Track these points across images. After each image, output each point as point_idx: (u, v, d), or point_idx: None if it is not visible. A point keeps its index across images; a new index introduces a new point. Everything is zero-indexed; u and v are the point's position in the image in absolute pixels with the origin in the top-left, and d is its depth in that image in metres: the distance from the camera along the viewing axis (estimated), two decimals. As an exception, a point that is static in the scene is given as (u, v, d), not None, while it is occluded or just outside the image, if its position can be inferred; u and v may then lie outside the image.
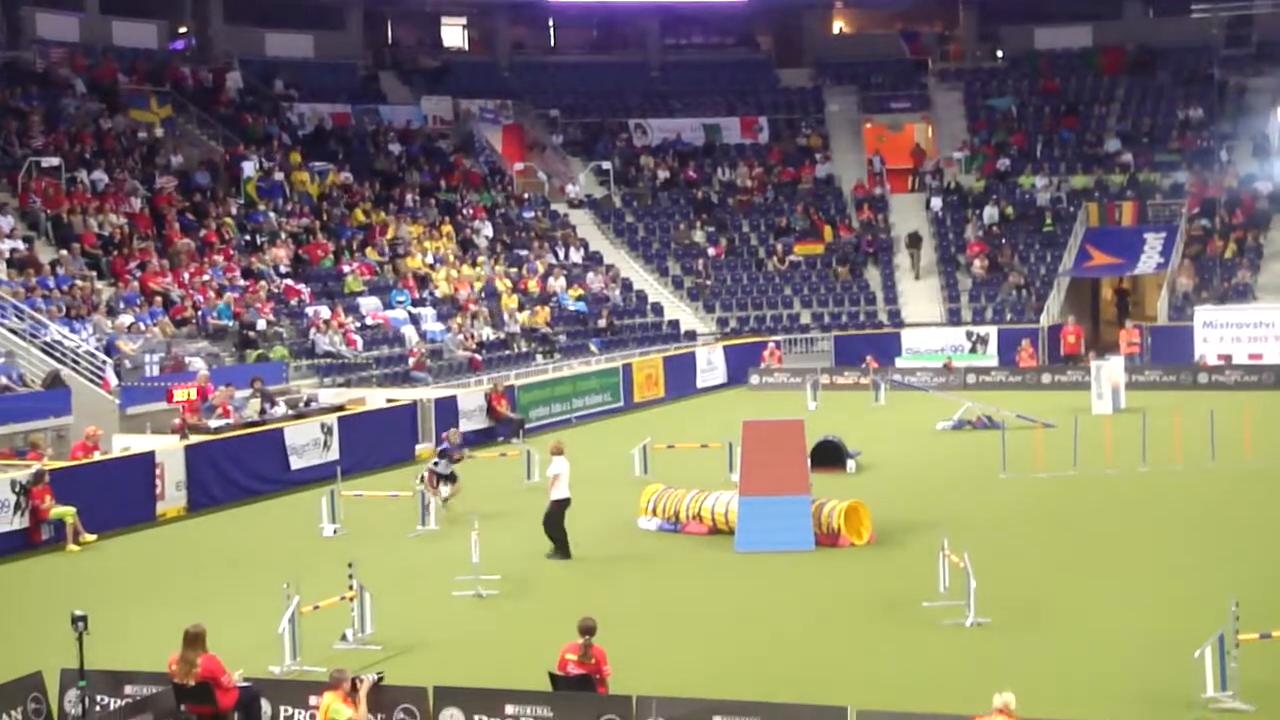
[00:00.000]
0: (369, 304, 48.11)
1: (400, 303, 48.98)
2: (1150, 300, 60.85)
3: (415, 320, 48.38)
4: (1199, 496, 30.65)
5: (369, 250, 51.83)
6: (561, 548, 26.33)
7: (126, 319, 40.50)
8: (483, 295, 52.00)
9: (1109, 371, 44.80)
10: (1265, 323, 53.41)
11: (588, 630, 17.22)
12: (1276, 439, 34.21)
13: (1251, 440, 34.27)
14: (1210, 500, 30.26)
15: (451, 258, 54.27)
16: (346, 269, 49.75)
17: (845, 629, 21.50)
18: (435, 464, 31.07)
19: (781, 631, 21.46)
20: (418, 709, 16.68)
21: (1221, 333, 53.48)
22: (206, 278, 44.78)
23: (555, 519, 26.38)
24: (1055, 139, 66.46)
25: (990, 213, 62.81)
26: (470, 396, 42.00)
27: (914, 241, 62.66)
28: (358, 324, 46.54)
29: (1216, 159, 63.20)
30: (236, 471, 33.57)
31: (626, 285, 59.06)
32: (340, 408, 38.35)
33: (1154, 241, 59.45)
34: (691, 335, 57.60)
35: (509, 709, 16.47)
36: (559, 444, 27.47)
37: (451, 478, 30.83)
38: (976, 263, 61.02)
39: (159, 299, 42.44)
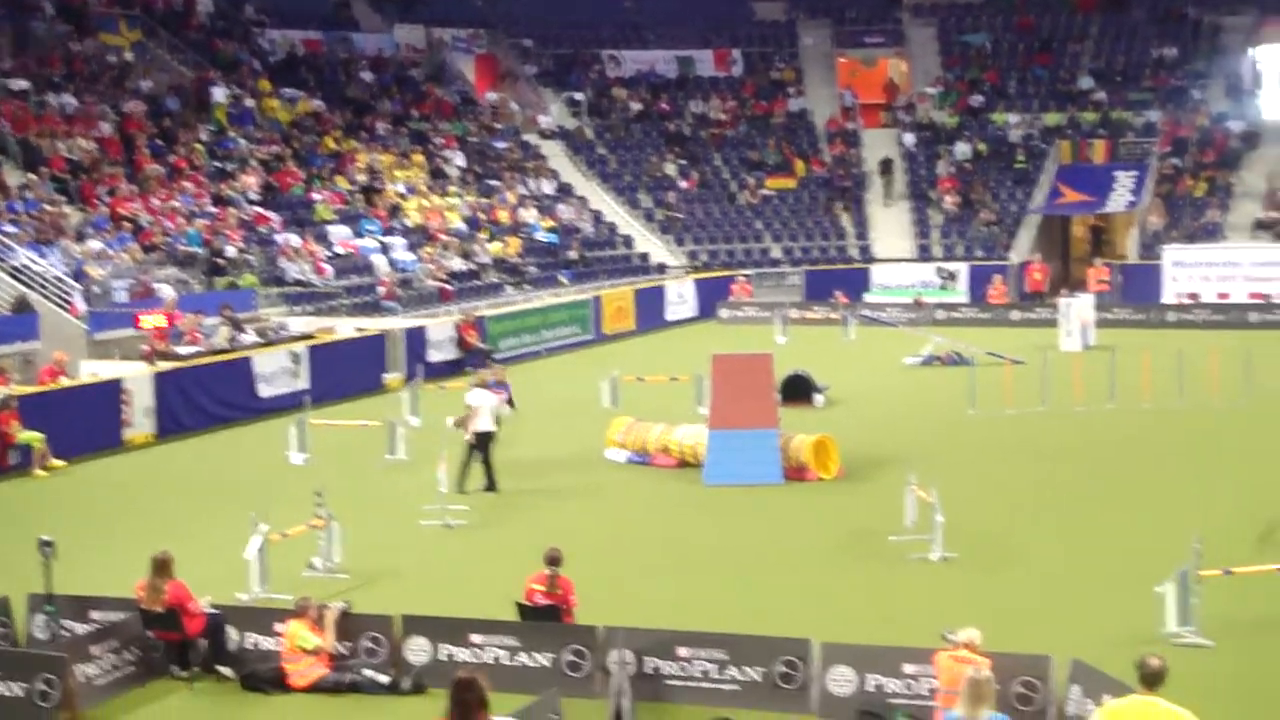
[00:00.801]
0: (339, 232, 47.93)
1: (370, 232, 48.81)
2: (1120, 238, 60.97)
3: (385, 249, 48.23)
4: (1165, 434, 30.80)
5: (339, 179, 51.58)
6: (485, 480, 26.08)
7: (95, 244, 40.28)
8: (462, 227, 51.78)
9: (1078, 309, 44.93)
10: (1233, 262, 53.62)
11: (554, 561, 17.26)
12: (1243, 378, 34.35)
13: (1218, 378, 34.41)
14: (1176, 438, 30.42)
15: (423, 187, 54.05)
16: (317, 197, 49.50)
17: (812, 562, 21.57)
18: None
19: (748, 564, 21.53)
20: (384, 638, 16.71)
21: (1190, 271, 53.67)
22: (176, 204, 44.52)
23: (478, 452, 26.19)
24: (1029, 76, 66.40)
25: (962, 149, 62.79)
26: (440, 327, 41.91)
27: (885, 168, 62.66)
28: (328, 253, 46.37)
29: (1189, 98, 63.20)
30: (205, 399, 33.50)
31: (598, 217, 58.95)
32: (309, 336, 38.23)
33: (1125, 180, 59.50)
34: (662, 268, 57.58)
35: (475, 638, 16.51)
36: (481, 378, 27.42)
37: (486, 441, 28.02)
38: (948, 199, 61.03)
39: (128, 225, 42.22)
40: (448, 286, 47.33)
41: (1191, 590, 17.10)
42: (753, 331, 48.99)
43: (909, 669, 15.23)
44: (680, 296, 54.90)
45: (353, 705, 15.99)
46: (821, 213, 61.68)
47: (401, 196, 52.31)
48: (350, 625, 16.83)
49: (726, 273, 57.58)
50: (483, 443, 26.19)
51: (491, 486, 26.17)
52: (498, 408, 27.04)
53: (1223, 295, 52.64)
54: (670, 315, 53.74)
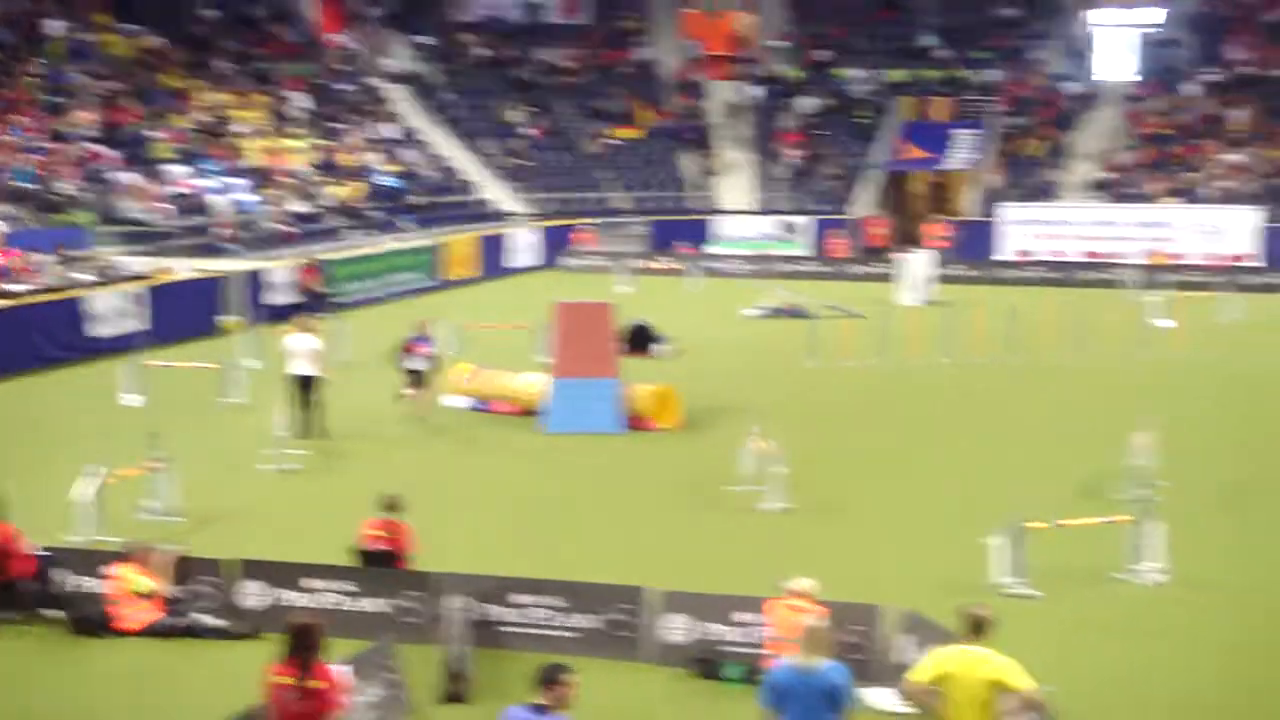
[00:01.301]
0: (178, 172, 47.10)
1: (211, 172, 48.02)
2: (959, 195, 61.81)
3: (226, 190, 47.49)
4: (998, 389, 31.34)
5: (179, 118, 50.66)
6: (304, 427, 25.77)
7: (-77, 178, 39.29)
8: (305, 169, 51.13)
9: (916, 264, 45.52)
10: (1068, 221, 54.63)
11: (392, 507, 17.18)
12: (1074, 335, 35.04)
13: (1051, 334, 35.05)
14: (1009, 393, 30.97)
15: (265, 128, 53.27)
16: (156, 136, 48.57)
17: (650, 511, 21.68)
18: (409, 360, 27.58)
19: (586, 512, 21.60)
20: (219, 581, 16.55)
21: (1026, 229, 54.60)
22: (8, 138, 43.46)
23: (293, 394, 25.97)
24: (874, 32, 66.87)
25: (807, 103, 63.15)
26: (280, 270, 41.43)
27: (732, 112, 62.90)
28: (167, 192, 45.55)
29: (1029, 58, 64.08)
30: (37, 337, 32.85)
31: (442, 163, 58.54)
32: (146, 277, 37.60)
33: (965, 138, 60.32)
34: (507, 215, 57.33)
35: (311, 583, 16.40)
36: (303, 322, 27.24)
37: (419, 377, 27.47)
38: (791, 152, 61.39)
39: (-43, 159, 41.19)
40: (289, 229, 46.77)
41: (1019, 542, 17.45)
42: (596, 280, 49.03)
43: (744, 617, 15.38)
44: (524, 244, 54.77)
45: (186, 649, 15.83)
46: (667, 163, 61.75)
47: (243, 137, 51.52)
48: (185, 569, 16.64)
49: (571, 221, 57.51)
50: (304, 387, 25.93)
51: (314, 433, 25.83)
52: (321, 352, 26.45)
53: (1057, 253, 53.62)
54: (514, 263, 53.62)
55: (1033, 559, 17.55)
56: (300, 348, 26.08)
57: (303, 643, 11.06)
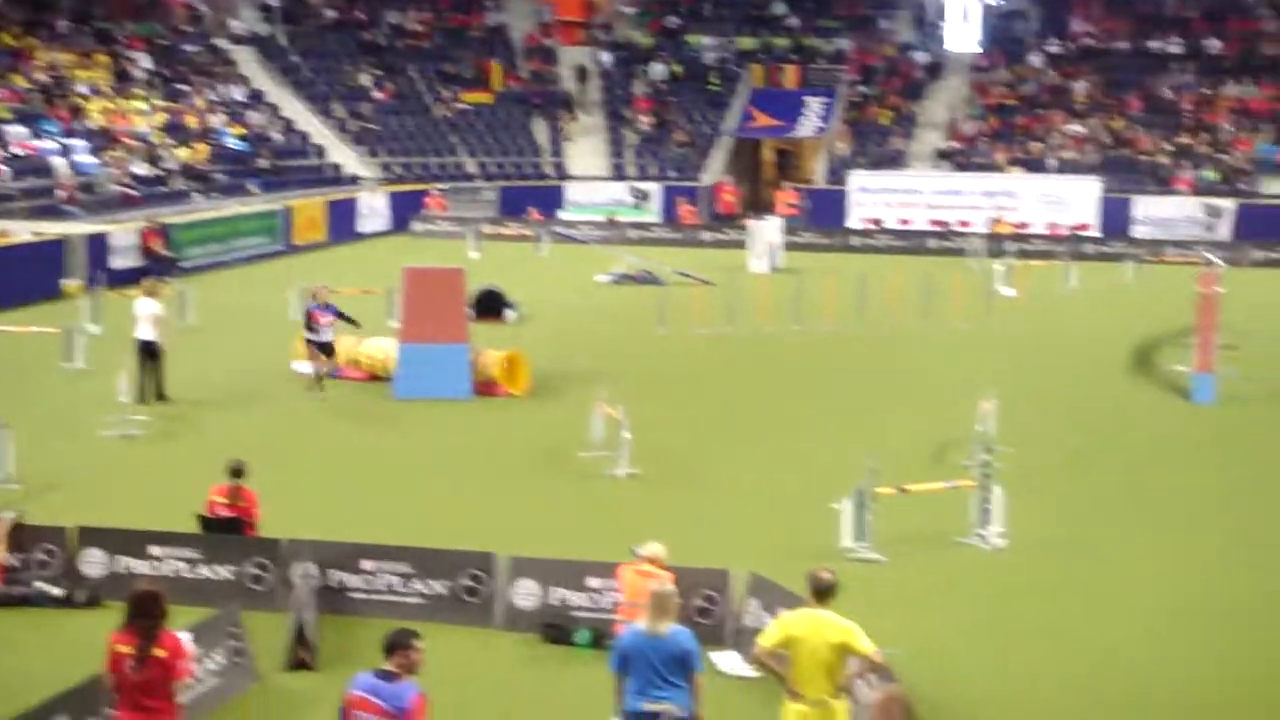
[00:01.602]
0: (16, 133, 46.00)
1: (50, 133, 46.98)
2: (809, 163, 62.24)
3: (66, 152, 46.51)
4: (847, 356, 31.64)
5: (17, 77, 49.50)
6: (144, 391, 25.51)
7: None
8: (148, 131, 50.21)
9: (766, 232, 45.77)
10: (916, 189, 55.23)
11: (237, 472, 16.95)
12: (921, 303, 35.46)
13: (898, 303, 35.45)
14: (857, 360, 31.27)
15: (107, 89, 52.22)
16: (-7, 95, 47.49)
17: (500, 477, 21.64)
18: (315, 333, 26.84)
19: (435, 478, 21.51)
20: (58, 549, 16.24)
21: (875, 198, 55.11)
22: None
23: (147, 361, 25.70)
24: (724, 0, 67.05)
25: (658, 69, 63.21)
26: (123, 233, 40.72)
27: (581, 76, 62.84)
28: (4, 154, 44.51)
29: (877, 28, 64.64)
30: None
31: (289, 126, 57.81)
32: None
33: (815, 106, 60.71)
34: (355, 180, 56.80)
35: (154, 550, 16.16)
36: (149, 286, 26.84)
37: (328, 348, 26.79)
38: (643, 119, 61.45)
39: None
40: (132, 192, 45.93)
41: (867, 507, 17.65)
42: (446, 246, 48.77)
43: (593, 583, 15.43)
44: (373, 209, 54.35)
45: (24, 619, 15.53)
46: (517, 128, 61.54)
47: (84, 98, 50.47)
48: (23, 536, 16.31)
49: (421, 186, 57.13)
50: (146, 352, 25.64)
51: (158, 395, 25.58)
52: (163, 318, 26.07)
53: (905, 221, 54.22)
54: (363, 227, 53.19)
55: (880, 524, 17.76)
56: (144, 312, 25.76)
57: (144, 611, 10.87)
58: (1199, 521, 19.85)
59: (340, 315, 27.00)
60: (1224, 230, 52.22)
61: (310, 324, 26.77)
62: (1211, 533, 19.36)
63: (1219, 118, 56.98)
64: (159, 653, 10.73)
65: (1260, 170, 54.75)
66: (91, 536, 16.39)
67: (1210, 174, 54.60)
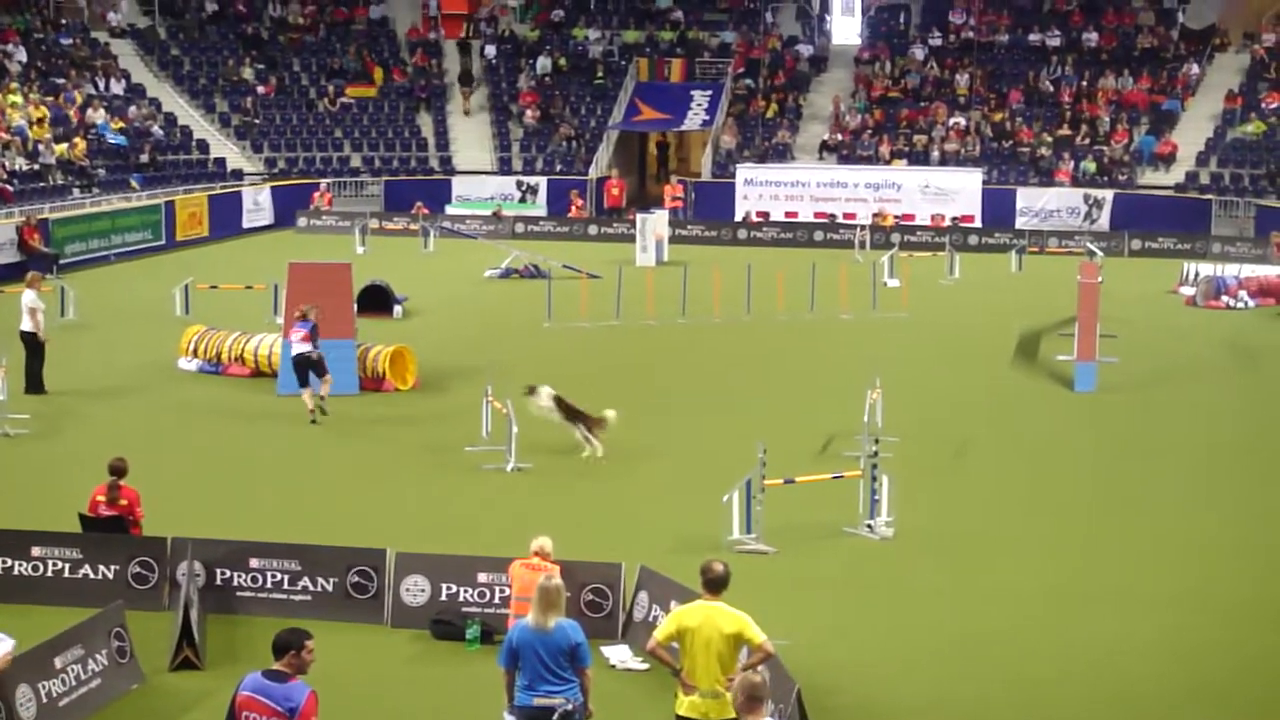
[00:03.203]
0: (-111, 128, 45.22)
1: (-76, 128, 46.20)
2: (695, 156, 62.34)
3: (-59, 147, 45.74)
4: (734, 347, 31.75)
5: (-110, 70, 48.58)
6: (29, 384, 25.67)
7: None
8: (23, 125, 49.38)
9: (653, 224, 45.84)
10: (801, 182, 55.50)
11: (118, 471, 16.73)
12: (807, 295, 35.66)
13: (784, 295, 35.62)
14: (744, 351, 31.39)
15: (-18, 82, 51.36)
16: None
17: (388, 473, 21.53)
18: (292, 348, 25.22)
19: (322, 475, 21.36)
20: (-64, 552, 15.97)
21: (761, 190, 55.32)
22: None
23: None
24: (609, -8, 67.05)
25: (543, 63, 63.07)
26: (0, 229, 40.08)
27: (465, 79, 62.59)
28: (-124, 148, 43.70)
29: (762, 21, 64.91)
30: None
31: (170, 120, 57.06)
32: None
33: (700, 99, 60.80)
34: (238, 175, 56.20)
35: (36, 551, 15.91)
36: (31, 279, 27.01)
37: (321, 365, 24.79)
38: (528, 112, 61.29)
39: None
40: (8, 187, 45.16)
41: (755, 499, 17.71)
42: (332, 241, 48.43)
43: (483, 578, 15.40)
44: (257, 204, 53.84)
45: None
46: (402, 123, 61.19)
47: (-41, 92, 49.59)
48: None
49: (305, 180, 56.65)
50: (25, 344, 25.83)
51: (32, 389, 25.53)
52: (36, 310, 26.01)
53: (790, 214, 54.48)
54: (247, 223, 52.69)
55: (768, 515, 17.84)
56: (24, 305, 25.94)
57: None
58: (1082, 508, 20.12)
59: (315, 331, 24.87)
60: (1104, 221, 52.94)
61: (287, 336, 25.47)
62: (1094, 519, 19.63)
63: (1097, 110, 57.75)
64: None
65: (1138, 161, 55.56)
66: (-30, 538, 16.12)
67: (1090, 165, 55.32)
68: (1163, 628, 15.70)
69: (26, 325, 25.90)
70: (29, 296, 26.11)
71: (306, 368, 24.51)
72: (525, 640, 11.09)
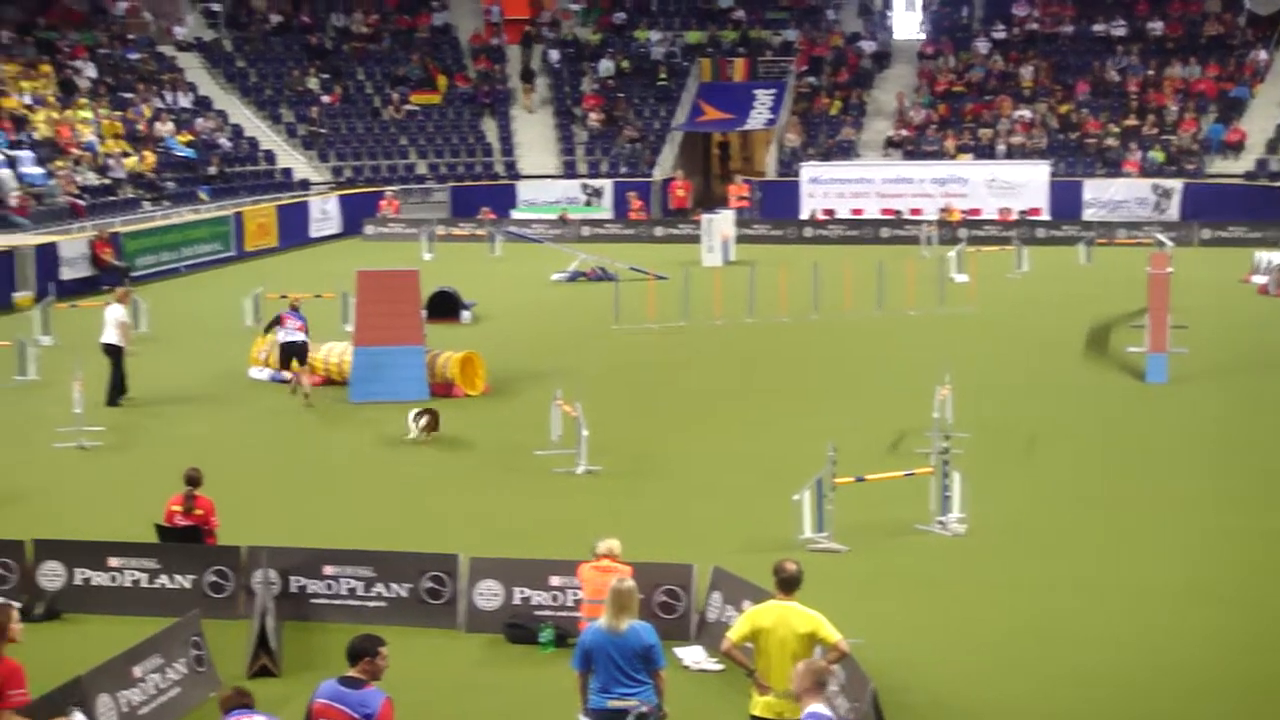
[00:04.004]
0: (-39, 146, 45.73)
1: (-5, 145, 46.69)
2: (760, 155, 62.28)
3: (13, 163, 46.16)
4: (802, 347, 31.67)
5: (-39, 89, 49.15)
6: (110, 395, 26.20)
7: None
8: (94, 141, 49.85)
9: (719, 225, 45.80)
10: (867, 179, 55.34)
11: (193, 481, 16.88)
12: (874, 292, 35.54)
13: (851, 293, 35.52)
14: (812, 350, 31.31)
15: (51, 98, 51.88)
16: (-64, 108, 47.09)
17: (459, 478, 21.60)
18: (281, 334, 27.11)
19: (394, 481, 21.45)
20: (15, 563, 16.13)
21: (826, 188, 55.19)
22: None
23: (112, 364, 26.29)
24: (670, -6, 67.04)
25: (606, 66, 63.15)
26: (73, 243, 40.50)
27: (526, 76, 62.78)
28: (-51, 167, 44.19)
29: (824, 18, 64.72)
30: None
31: (237, 132, 57.54)
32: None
33: (764, 98, 60.70)
34: (305, 184, 56.59)
35: (113, 561, 16.07)
36: (117, 295, 27.52)
37: (298, 349, 26.65)
38: (592, 115, 61.38)
39: None
40: (80, 202, 45.65)
41: (826, 497, 17.67)
42: (399, 248, 48.65)
43: (555, 581, 15.41)
44: (324, 213, 54.16)
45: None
46: (467, 129, 61.41)
47: (28, 108, 50.11)
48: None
49: (372, 189, 56.96)
50: (109, 356, 26.08)
51: (115, 399, 26.05)
52: (124, 323, 26.55)
53: (856, 211, 54.33)
54: (314, 232, 53.01)
55: (839, 514, 17.78)
56: (108, 318, 26.31)
57: None
58: (1156, 501, 19.95)
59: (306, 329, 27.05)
60: (1173, 211, 52.51)
61: (278, 324, 27.07)
62: (1168, 512, 19.46)
63: (1165, 99, 57.28)
64: None
65: (1206, 150, 55.08)
66: (49, 549, 16.29)
67: (1158, 155, 54.88)
68: (1239, 621, 15.55)
69: (111, 338, 26.14)
70: (118, 311, 26.44)
71: (293, 353, 26.44)
72: (598, 643, 11.09)
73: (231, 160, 54.83)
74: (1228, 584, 16.68)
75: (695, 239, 46.49)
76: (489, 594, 15.55)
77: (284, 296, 35.64)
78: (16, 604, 13.81)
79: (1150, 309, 27.64)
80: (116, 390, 26.11)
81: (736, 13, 64.93)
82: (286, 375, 27.07)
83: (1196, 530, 18.69)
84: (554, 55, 64.32)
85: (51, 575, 16.12)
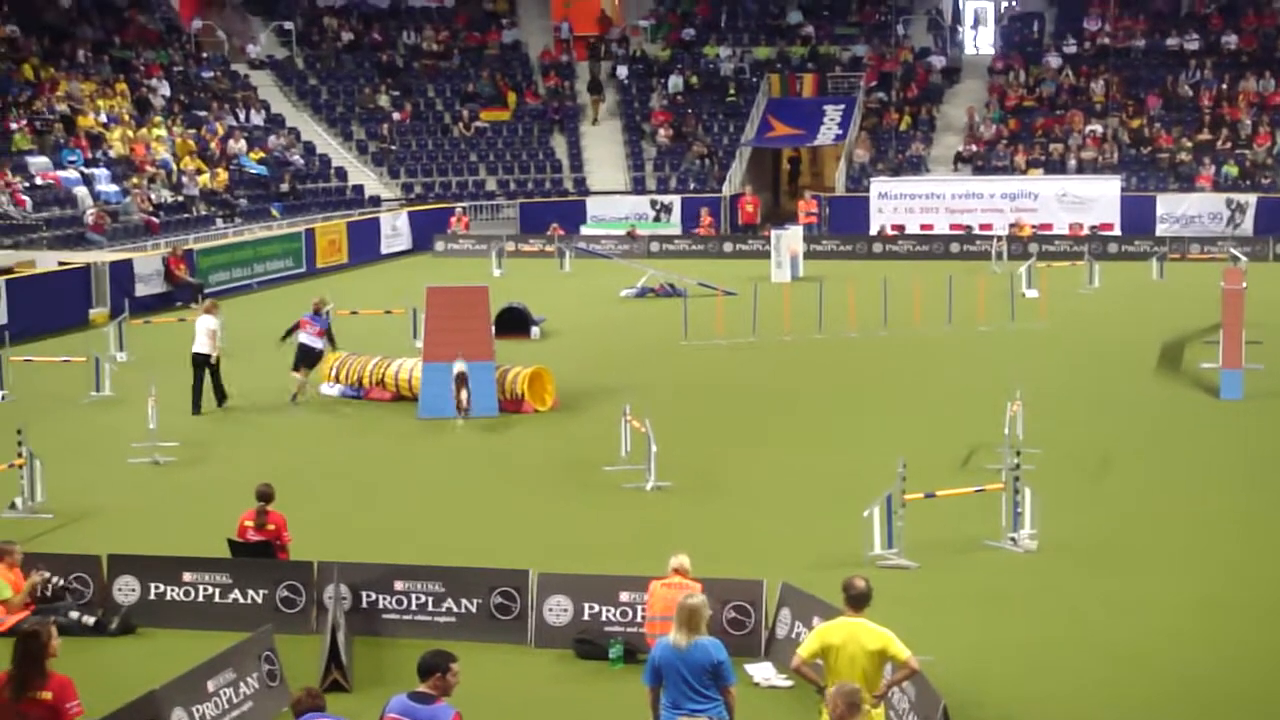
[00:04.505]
0: (38, 163, 46.22)
1: (72, 163, 47.19)
2: (829, 171, 62.16)
3: (89, 181, 46.70)
4: (871, 362, 31.59)
5: (38, 107, 49.71)
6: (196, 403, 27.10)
7: None
8: (168, 158, 50.35)
9: (788, 240, 45.74)
10: (936, 194, 55.15)
11: (265, 496, 17.01)
12: (944, 307, 35.40)
13: (921, 308, 35.40)
14: (881, 366, 31.22)
15: (126, 117, 52.43)
16: (14, 126, 47.64)
17: (528, 494, 21.65)
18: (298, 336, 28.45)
19: (464, 497, 21.53)
20: (91, 577, 16.29)
21: (895, 204, 55.02)
22: None
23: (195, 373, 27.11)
24: (739, 9, 67.03)
25: (675, 82, 63.23)
26: (147, 260, 40.90)
27: (595, 88, 62.98)
28: (26, 184, 44.70)
29: (893, 33, 64.60)
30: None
31: (309, 149, 57.97)
32: (9, 270, 36.91)
33: (833, 113, 60.60)
34: (376, 201, 56.91)
35: (187, 576, 16.21)
36: (207, 305, 28.25)
37: (311, 354, 28.23)
38: (661, 131, 61.47)
39: None
40: (154, 219, 46.10)
41: (896, 514, 17.61)
42: (469, 264, 48.85)
43: (625, 597, 15.42)
44: (395, 229, 54.42)
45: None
46: (536, 145, 61.62)
47: (104, 127, 50.66)
48: (55, 565, 16.35)
49: (441, 205, 57.23)
50: (196, 364, 26.92)
51: (219, 399, 27.34)
52: (215, 332, 27.30)
53: (926, 227, 54.13)
54: (385, 248, 53.26)
55: (909, 530, 17.72)
56: (199, 328, 27.12)
57: (22, 655, 10.62)
58: (1230, 518, 19.78)
59: (328, 330, 28.51)
60: (1247, 225, 52.05)
61: (297, 329, 28.30)
62: (1244, 531, 19.28)
63: (1238, 113, 56.80)
64: (37, 697, 10.59)
65: (1281, 165, 54.67)
66: (124, 564, 16.45)
67: (1231, 169, 54.44)
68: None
69: (202, 348, 26.88)
70: (209, 321, 27.10)
71: (302, 358, 27.90)
72: (667, 659, 11.10)
73: (303, 177, 55.24)
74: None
75: (764, 255, 46.45)
76: (559, 609, 15.57)
77: (354, 313, 36.01)
78: (52, 618, 14.00)
79: (1224, 324, 27.40)
80: (219, 396, 27.26)
81: (805, 28, 64.89)
82: (362, 391, 27.90)
83: (1271, 548, 18.50)
84: (623, 71, 64.46)
85: (126, 590, 16.28)
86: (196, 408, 26.75)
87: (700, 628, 11.14)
